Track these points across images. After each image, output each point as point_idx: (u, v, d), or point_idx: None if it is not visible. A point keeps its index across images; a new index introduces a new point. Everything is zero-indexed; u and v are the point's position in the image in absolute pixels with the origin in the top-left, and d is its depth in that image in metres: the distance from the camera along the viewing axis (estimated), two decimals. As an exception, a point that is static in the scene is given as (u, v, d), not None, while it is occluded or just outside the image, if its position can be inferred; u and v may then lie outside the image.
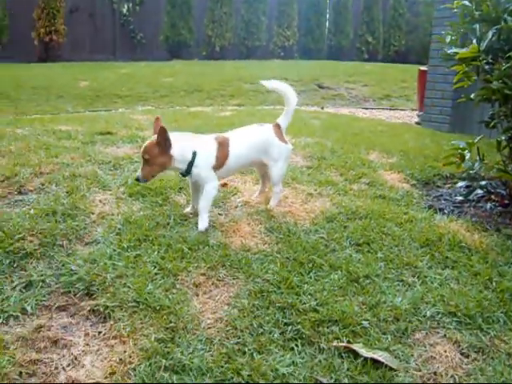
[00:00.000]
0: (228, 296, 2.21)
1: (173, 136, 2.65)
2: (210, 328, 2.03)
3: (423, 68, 7.65)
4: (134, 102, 9.00)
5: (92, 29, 14.99)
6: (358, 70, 13.61)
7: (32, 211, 2.68)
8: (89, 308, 2.09)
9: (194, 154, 2.72)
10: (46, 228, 2.53)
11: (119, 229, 2.59)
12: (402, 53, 20.08)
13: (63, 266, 2.30)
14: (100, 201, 2.90)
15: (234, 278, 2.32)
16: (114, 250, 2.40)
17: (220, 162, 2.79)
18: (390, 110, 9.82)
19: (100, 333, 1.98)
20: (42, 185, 3.07)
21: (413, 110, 9.51)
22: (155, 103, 8.99)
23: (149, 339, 1.93)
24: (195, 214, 2.83)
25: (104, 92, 9.33)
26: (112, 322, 2.02)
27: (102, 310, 2.07)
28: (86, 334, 1.98)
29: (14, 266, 2.29)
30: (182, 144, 2.71)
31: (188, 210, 2.91)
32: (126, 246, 2.43)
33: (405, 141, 5.38)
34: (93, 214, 2.74)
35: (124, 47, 15.45)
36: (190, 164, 2.71)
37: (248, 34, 16.50)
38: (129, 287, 2.16)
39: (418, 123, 7.68)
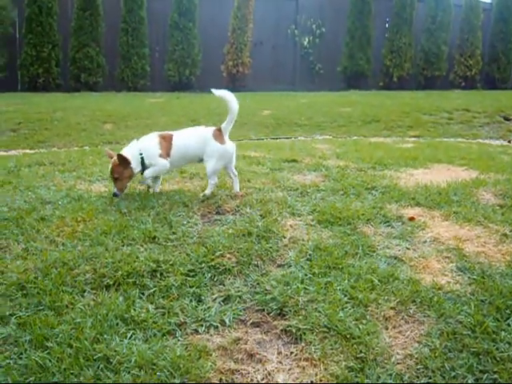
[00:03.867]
0: (418, 333, 2.16)
1: (127, 151, 3.45)
2: (399, 364, 2.00)
3: None
4: (313, 130, 9.26)
5: (274, 60, 15.83)
6: (552, 100, 12.40)
7: (230, 231, 2.90)
8: (281, 328, 2.18)
9: (141, 154, 3.45)
10: (243, 247, 2.72)
11: (310, 254, 2.68)
12: None
13: (258, 284, 2.45)
14: (291, 226, 3.04)
15: (424, 316, 2.25)
16: (306, 275, 2.49)
17: (166, 151, 3.48)
18: None
19: (292, 353, 2.06)
20: (237, 207, 3.31)
21: None
22: (333, 132, 9.15)
23: (339, 366, 1.96)
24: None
25: (284, 120, 9.75)
26: (303, 344, 2.09)
27: (293, 331, 2.15)
28: (279, 353, 2.07)
29: (215, 279, 2.50)
30: (133, 153, 3.44)
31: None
32: (316, 271, 2.51)
33: None
34: (284, 237, 2.88)
35: (303, 78, 16.02)
36: (143, 163, 3.46)
37: (427, 64, 16.04)
38: (320, 312, 2.22)
39: None
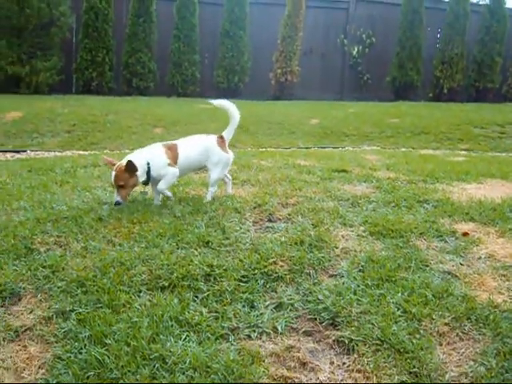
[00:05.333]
0: (474, 351, 2.12)
1: (133, 159, 3.32)
2: (454, 381, 1.98)
3: None
4: (360, 140, 9.21)
5: (322, 69, 15.81)
6: None
7: (283, 238, 2.93)
8: (334, 338, 2.19)
9: (148, 164, 3.39)
10: (295, 256, 2.74)
11: (362, 266, 2.68)
12: None
13: (310, 293, 2.46)
14: (342, 236, 3.04)
15: (480, 334, 2.22)
16: (358, 286, 2.49)
17: (173, 161, 3.46)
18: None
19: (344, 364, 2.07)
20: (289, 215, 3.34)
21: None
22: (381, 143, 9.07)
23: (392, 380, 1.95)
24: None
25: (332, 130, 9.73)
26: (356, 356, 2.09)
27: (346, 341, 2.15)
28: (331, 363, 2.08)
29: (267, 286, 2.53)
30: (140, 163, 3.35)
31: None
32: (369, 283, 2.51)
33: None
34: (336, 248, 2.88)
35: (351, 87, 15.92)
36: (148, 173, 3.40)
37: (479, 76, 15.66)
38: (373, 324, 2.22)
39: None
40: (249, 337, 2.19)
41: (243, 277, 2.56)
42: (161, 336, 2.14)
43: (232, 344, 2.14)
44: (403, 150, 8.42)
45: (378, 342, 2.13)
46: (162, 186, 3.48)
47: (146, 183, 3.51)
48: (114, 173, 3.33)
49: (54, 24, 12.86)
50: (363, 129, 9.89)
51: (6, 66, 12.18)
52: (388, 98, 14.91)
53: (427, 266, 2.74)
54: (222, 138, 3.61)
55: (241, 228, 3.11)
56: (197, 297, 2.43)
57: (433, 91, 15.54)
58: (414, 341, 2.13)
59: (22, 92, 12.34)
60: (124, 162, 3.34)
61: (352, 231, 3.12)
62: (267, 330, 2.23)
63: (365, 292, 2.44)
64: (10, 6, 12.14)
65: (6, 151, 7.75)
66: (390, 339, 2.13)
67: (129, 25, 13.62)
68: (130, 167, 3.30)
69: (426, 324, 2.25)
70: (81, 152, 7.78)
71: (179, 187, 3.96)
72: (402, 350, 2.08)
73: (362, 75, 16.06)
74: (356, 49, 16.03)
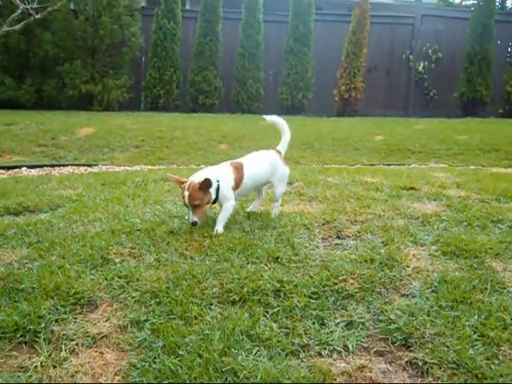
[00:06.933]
0: (558, 381, 2.02)
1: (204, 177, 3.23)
2: (536, 411, 1.89)
3: None
4: (427, 158, 9.00)
5: (387, 86, 15.65)
6: None
7: (353, 256, 2.91)
8: (406, 359, 2.14)
9: (218, 181, 3.30)
10: (365, 274, 2.71)
11: (435, 286, 2.61)
12: None
13: (381, 312, 2.42)
14: (414, 255, 2.98)
15: None
16: (432, 307, 2.43)
17: (237, 183, 3.42)
18: None
19: (419, 386, 2.02)
20: (359, 232, 3.31)
21: None
22: (449, 161, 8.83)
23: (470, 406, 1.89)
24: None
25: (397, 146, 9.57)
26: (431, 379, 2.03)
27: (420, 364, 2.10)
28: (405, 385, 2.04)
29: (337, 304, 2.51)
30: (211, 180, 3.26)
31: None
32: (443, 304, 2.44)
33: None
34: (408, 267, 2.83)
35: (416, 103, 15.66)
36: (217, 191, 3.31)
37: (553, 91, 15.02)
38: (448, 347, 2.15)
39: None
40: (319, 354, 2.18)
41: (313, 293, 2.56)
42: (232, 349, 2.16)
43: (302, 361, 2.13)
44: (472, 167, 8.15)
45: (453, 365, 2.07)
46: (222, 216, 3.37)
47: (213, 202, 3.39)
48: (187, 193, 3.18)
49: (125, 44, 13.45)
50: (430, 146, 9.67)
51: (80, 85, 12.82)
52: (455, 114, 14.54)
53: (504, 288, 2.64)
54: (279, 152, 3.69)
55: (310, 244, 3.11)
56: (267, 312, 2.44)
57: (503, 107, 15.02)
58: (493, 366, 2.05)
59: (95, 109, 12.93)
60: (195, 179, 3.23)
61: (423, 250, 3.06)
62: (338, 348, 2.21)
63: (439, 313, 2.38)
64: (85, 27, 12.80)
65: (79, 165, 8.13)
66: (466, 363, 2.06)
67: (196, 44, 14.02)
68: (206, 184, 3.18)
69: (505, 349, 2.16)
70: (148, 167, 8.03)
71: (247, 203, 4.01)
72: (479, 376, 2.01)
73: (428, 91, 15.76)
74: (422, 64, 15.78)
